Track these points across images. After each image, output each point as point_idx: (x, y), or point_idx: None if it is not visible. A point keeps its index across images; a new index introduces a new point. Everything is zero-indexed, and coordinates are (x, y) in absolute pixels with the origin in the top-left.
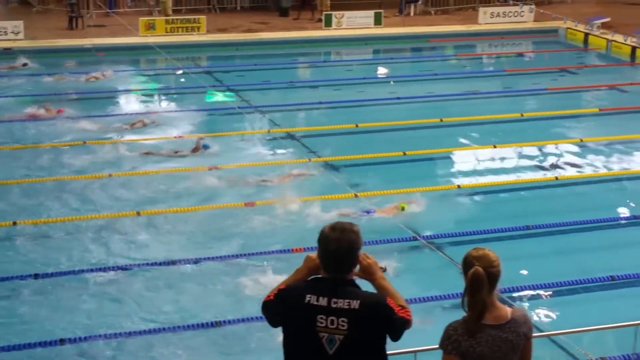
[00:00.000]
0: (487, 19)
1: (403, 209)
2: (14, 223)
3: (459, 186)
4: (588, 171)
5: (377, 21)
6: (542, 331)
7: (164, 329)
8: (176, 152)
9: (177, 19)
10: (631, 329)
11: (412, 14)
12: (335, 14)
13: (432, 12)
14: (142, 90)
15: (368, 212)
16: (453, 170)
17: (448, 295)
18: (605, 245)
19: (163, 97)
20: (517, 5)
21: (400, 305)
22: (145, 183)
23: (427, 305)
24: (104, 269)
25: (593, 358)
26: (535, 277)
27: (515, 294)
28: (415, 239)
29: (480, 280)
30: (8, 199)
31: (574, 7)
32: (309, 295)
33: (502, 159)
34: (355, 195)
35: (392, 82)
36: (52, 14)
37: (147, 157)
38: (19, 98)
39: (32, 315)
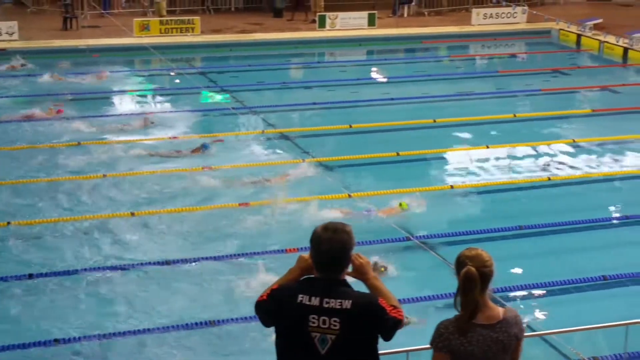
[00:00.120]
0: (480, 20)
1: (403, 207)
2: (8, 223)
3: (452, 186)
4: (580, 171)
5: (371, 22)
6: (534, 330)
7: (158, 328)
8: (179, 152)
9: (171, 20)
10: (622, 328)
11: (405, 15)
12: (329, 15)
13: (426, 13)
14: (136, 91)
15: (368, 211)
16: (446, 170)
17: (441, 295)
18: (597, 245)
19: (157, 98)
20: (510, 6)
21: (392, 305)
22: (140, 183)
23: (419, 305)
24: (99, 269)
25: (585, 357)
26: (528, 276)
27: (507, 294)
28: (408, 239)
29: (473, 279)
30: (2, 199)
31: (566, 9)
32: (301, 295)
33: (495, 159)
34: (349, 196)
35: (382, 78)
36: (47, 15)
37: (142, 158)
38: (17, 98)
39: (26, 315)
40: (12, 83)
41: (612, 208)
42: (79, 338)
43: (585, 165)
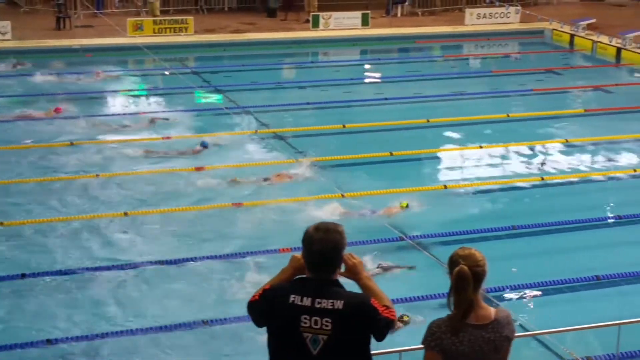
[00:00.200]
0: (474, 20)
1: (403, 206)
2: (1, 223)
3: (445, 186)
4: (573, 171)
5: (365, 22)
6: (527, 330)
7: (152, 328)
8: (182, 152)
9: (164, 20)
10: (614, 328)
11: (399, 14)
12: (323, 14)
13: (419, 13)
14: (129, 90)
15: (370, 211)
16: (439, 170)
17: (434, 295)
18: (590, 245)
19: (150, 98)
20: (503, 6)
21: (385, 305)
22: (133, 183)
23: (412, 305)
24: (92, 269)
25: (577, 357)
26: (521, 276)
27: (501, 294)
28: (402, 239)
29: (466, 278)
30: None
31: (559, 9)
32: (293, 295)
33: (488, 159)
34: (342, 195)
35: (376, 77)
36: (40, 14)
37: (136, 158)
38: (13, 98)
39: (18, 315)
40: (7, 83)
41: (605, 208)
42: (72, 338)
43: (578, 165)
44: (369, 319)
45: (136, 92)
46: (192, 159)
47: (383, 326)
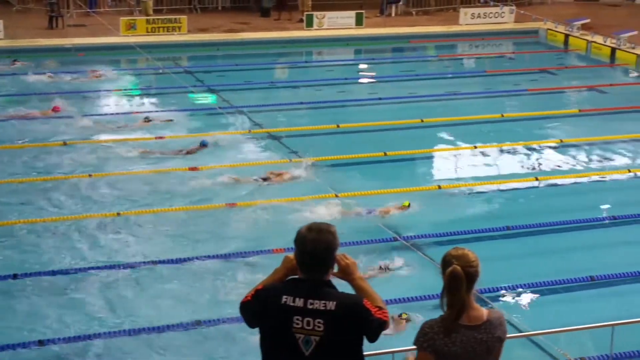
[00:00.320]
0: (468, 20)
1: (406, 206)
2: None
3: (439, 186)
4: (568, 172)
5: (359, 22)
6: (521, 331)
7: (144, 329)
8: (174, 152)
9: (158, 19)
10: (609, 329)
11: (393, 14)
12: (317, 14)
13: (413, 12)
14: (122, 90)
15: (370, 211)
16: (434, 170)
17: (428, 296)
18: (584, 245)
19: (143, 98)
20: (497, 6)
21: (378, 306)
22: (126, 183)
23: (406, 306)
24: (84, 270)
25: (571, 358)
26: (516, 277)
27: (495, 294)
28: (395, 240)
29: (459, 278)
30: None
31: (554, 8)
32: (285, 296)
33: (483, 159)
34: (336, 196)
35: (370, 77)
36: (32, 13)
37: (129, 158)
38: (9, 97)
39: (10, 316)
40: (2, 81)
41: (599, 208)
42: (64, 339)
43: (572, 165)
44: (361, 320)
45: (129, 92)
46: (185, 159)
47: (376, 327)
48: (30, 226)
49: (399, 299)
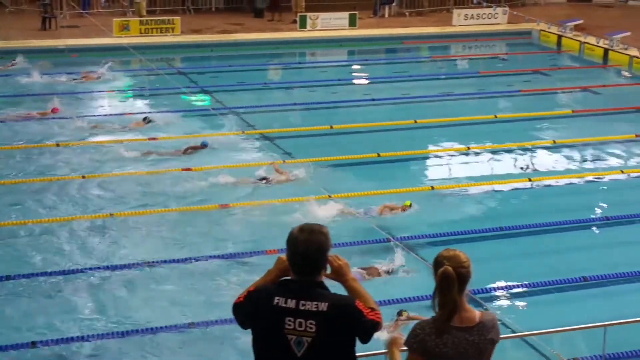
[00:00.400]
0: (461, 21)
1: (407, 205)
2: None
3: (432, 187)
4: (561, 173)
5: (352, 23)
6: (514, 331)
7: (137, 330)
8: (168, 153)
9: (151, 20)
10: (601, 329)
11: (386, 15)
12: (310, 15)
13: (407, 13)
14: (115, 91)
15: (366, 211)
16: (427, 171)
17: (420, 296)
18: (577, 246)
19: (136, 99)
20: (490, 7)
21: (370, 307)
22: (119, 184)
23: (400, 307)
24: (78, 271)
25: (564, 358)
26: (508, 277)
27: (488, 295)
28: (388, 240)
29: (450, 279)
30: None
31: (547, 9)
32: (277, 297)
33: (476, 160)
34: (329, 197)
35: (363, 78)
36: (25, 15)
37: (122, 159)
38: (7, 98)
39: (3, 318)
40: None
41: (592, 209)
42: (57, 341)
43: (565, 166)
44: (353, 321)
45: (122, 93)
46: (180, 160)
47: (369, 328)
48: (23, 227)
49: (392, 300)
